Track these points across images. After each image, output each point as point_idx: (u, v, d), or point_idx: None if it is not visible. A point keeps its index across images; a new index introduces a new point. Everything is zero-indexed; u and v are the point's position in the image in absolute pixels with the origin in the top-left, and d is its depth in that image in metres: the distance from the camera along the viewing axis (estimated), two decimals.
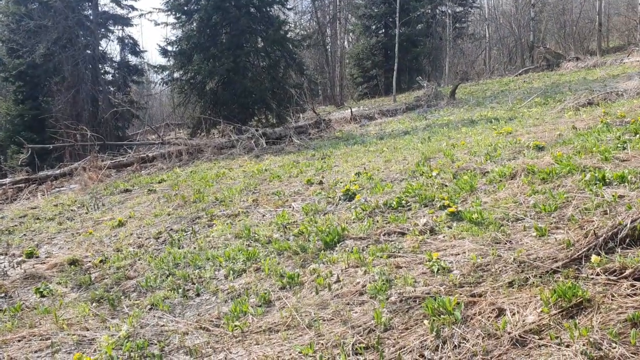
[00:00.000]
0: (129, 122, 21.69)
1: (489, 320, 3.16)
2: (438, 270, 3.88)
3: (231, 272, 4.75)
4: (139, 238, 6.83)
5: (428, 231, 4.68)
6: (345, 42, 33.50)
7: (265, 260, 4.80)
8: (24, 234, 8.37)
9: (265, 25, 20.68)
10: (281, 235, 5.51)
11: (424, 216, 5.03)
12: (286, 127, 14.44)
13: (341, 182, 7.14)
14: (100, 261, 6.09)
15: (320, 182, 7.52)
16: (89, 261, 6.23)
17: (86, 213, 9.07)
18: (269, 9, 20.84)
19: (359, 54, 30.06)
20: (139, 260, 5.84)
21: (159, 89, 25.42)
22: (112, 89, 21.18)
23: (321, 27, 26.61)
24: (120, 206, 9.12)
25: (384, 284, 3.79)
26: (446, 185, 5.87)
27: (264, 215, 6.57)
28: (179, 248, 5.94)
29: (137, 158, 12.89)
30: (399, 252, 4.38)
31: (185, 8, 19.94)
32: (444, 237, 4.55)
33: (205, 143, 13.53)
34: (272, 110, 20.34)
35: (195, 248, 5.77)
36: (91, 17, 20.59)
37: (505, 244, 4.17)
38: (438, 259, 4.01)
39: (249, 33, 20.13)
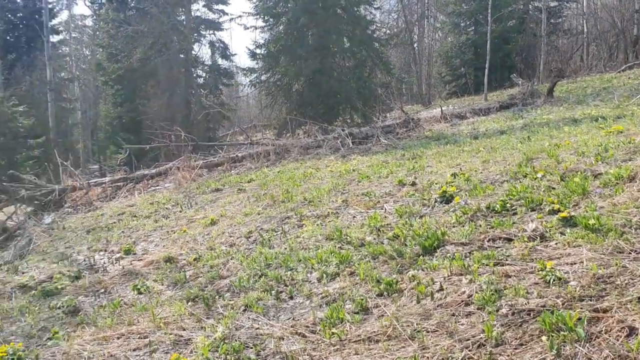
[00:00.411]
0: (219, 123, 22.30)
1: (618, 340, 2.80)
2: (553, 280, 3.52)
3: (324, 275, 4.59)
4: (230, 237, 6.86)
5: (538, 237, 4.29)
6: (432, 40, 32.74)
7: (360, 265, 4.60)
8: (122, 231, 8.69)
9: (352, 25, 20.55)
10: (374, 239, 5.29)
11: (532, 221, 4.64)
12: (373, 126, 14.20)
13: (436, 184, 6.82)
14: (194, 259, 6.15)
15: (413, 183, 7.23)
16: (184, 259, 6.31)
17: (180, 211, 9.29)
18: (355, 9, 20.68)
19: (448, 52, 29.26)
20: (231, 259, 5.83)
21: (247, 91, 25.92)
22: (203, 91, 21.85)
23: (409, 26, 26.12)
24: (212, 205, 9.26)
25: (492, 294, 3.48)
26: (554, 188, 5.41)
27: (354, 217, 6.38)
28: (269, 248, 5.87)
29: (227, 158, 13.13)
30: (506, 260, 4.04)
31: (274, 11, 20.20)
32: (556, 244, 4.15)
33: (291, 143, 13.56)
34: (358, 110, 20.19)
35: (286, 249, 5.68)
36: (184, 22, 21.34)
37: (630, 253, 3.72)
38: (552, 268, 3.64)
39: (335, 34, 20.09)
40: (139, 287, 5.43)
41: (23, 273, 7.33)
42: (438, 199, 6.05)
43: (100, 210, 11.33)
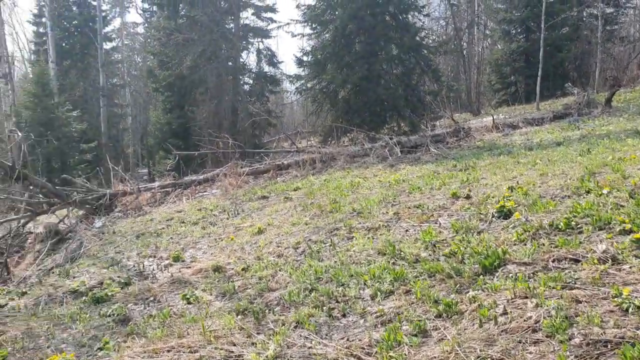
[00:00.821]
0: (264, 130, 22.41)
1: None
2: (630, 309, 3.25)
3: (378, 292, 4.41)
4: (278, 247, 6.76)
5: (609, 260, 4.00)
6: (481, 48, 32.10)
7: (416, 283, 4.40)
8: (171, 237, 8.73)
9: (400, 32, 20.33)
10: (430, 255, 5.08)
11: (600, 241, 4.35)
12: (422, 135, 13.92)
13: (492, 197, 6.54)
14: (243, 269, 6.08)
15: (468, 196, 6.97)
16: (232, 268, 6.25)
17: (227, 219, 9.28)
18: (404, 16, 20.45)
19: (498, 59, 28.60)
20: (279, 270, 5.72)
21: (293, 98, 26.03)
22: (250, 98, 22.00)
23: (458, 33, 25.68)
24: (259, 213, 9.21)
25: (562, 321, 3.24)
26: (622, 206, 5.09)
27: (407, 230, 6.18)
28: (319, 261, 5.73)
29: (273, 165, 13.10)
30: (575, 283, 3.77)
31: (322, 18, 20.19)
32: (630, 268, 3.86)
33: (338, 151, 13.42)
34: (405, 118, 19.92)
35: (336, 262, 5.52)
36: (233, 30, 21.56)
37: None
38: (629, 295, 3.37)
39: (383, 41, 19.92)
40: (188, 296, 5.39)
41: (74, 278, 7.43)
42: (495, 214, 5.79)
43: (150, 215, 11.45)
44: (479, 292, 4.02)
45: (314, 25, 20.71)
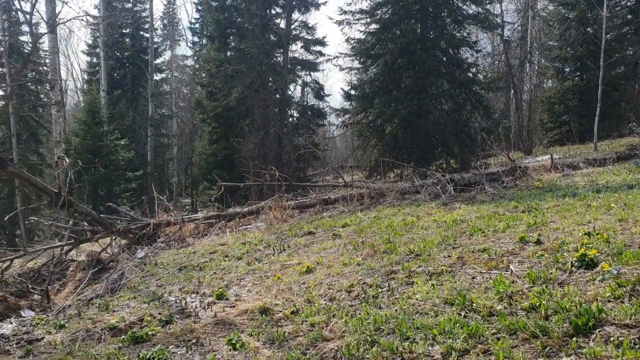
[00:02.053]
0: (309, 163, 22.15)
1: None
2: None
3: (451, 350, 3.86)
4: (329, 289, 6.26)
5: None
6: (533, 86, 31.26)
7: (496, 342, 3.83)
8: (214, 272, 8.34)
9: (451, 67, 19.92)
10: (506, 308, 4.49)
11: None
12: (475, 173, 13.30)
13: (567, 244, 5.91)
14: (292, 312, 5.60)
15: (538, 241, 6.35)
16: (280, 311, 5.77)
17: (273, 254, 8.85)
18: (456, 51, 20.05)
19: (550, 97, 27.75)
20: (333, 316, 5.21)
21: (339, 132, 25.77)
22: (296, 131, 21.85)
23: (510, 70, 25.09)
24: (306, 250, 8.75)
25: None
26: None
27: (473, 278, 5.60)
28: (377, 308, 5.20)
29: (320, 200, 12.68)
30: None
31: (371, 52, 19.97)
32: None
33: (387, 187, 12.92)
34: (455, 154, 19.31)
35: (397, 311, 4.98)
36: (281, 63, 21.59)
37: None
38: None
39: (434, 76, 19.51)
40: (233, 341, 4.93)
41: (114, 311, 7.09)
42: (576, 263, 5.17)
43: (193, 247, 11.15)
44: (573, 357, 3.43)
45: (362, 59, 20.50)
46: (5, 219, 11.62)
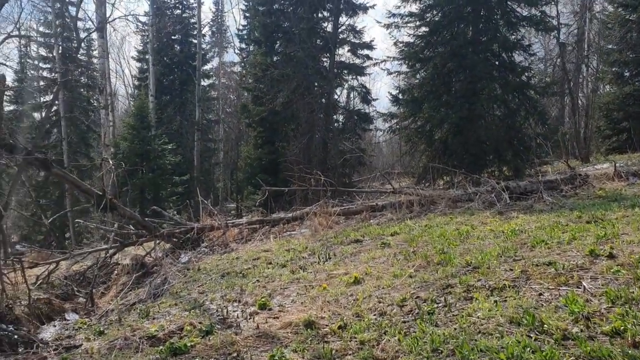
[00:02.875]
0: (355, 169, 21.71)
1: None
2: None
3: None
4: (379, 303, 5.82)
5: None
6: (590, 91, 29.91)
7: None
8: (257, 280, 8.00)
9: (504, 71, 19.16)
10: (583, 331, 3.96)
11: None
12: (533, 181, 12.59)
13: None
14: (339, 327, 5.18)
15: (611, 255, 5.75)
16: (326, 325, 5.37)
17: (318, 263, 8.45)
18: (509, 55, 19.27)
19: (608, 103, 26.43)
20: (384, 333, 4.77)
21: (385, 137, 25.29)
22: (342, 136, 21.47)
23: (567, 74, 24.02)
24: (353, 259, 8.31)
25: None
26: None
27: (540, 295, 5.05)
28: (433, 326, 4.73)
29: (367, 206, 12.23)
30: None
31: (421, 55, 19.42)
32: None
33: (438, 194, 12.36)
34: (508, 161, 18.52)
35: (456, 330, 4.51)
36: (327, 67, 21.29)
37: None
38: None
39: (486, 80, 18.80)
40: (276, 357, 4.56)
41: (154, 319, 6.85)
42: None
43: (236, 252, 10.88)
44: None
45: (411, 63, 19.97)
46: (49, 220, 11.68)
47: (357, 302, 5.95)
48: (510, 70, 19.05)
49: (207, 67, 37.73)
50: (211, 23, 46.07)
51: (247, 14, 41.07)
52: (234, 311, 6.60)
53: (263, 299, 6.68)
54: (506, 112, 19.43)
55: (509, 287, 5.38)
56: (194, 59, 35.05)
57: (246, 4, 41.45)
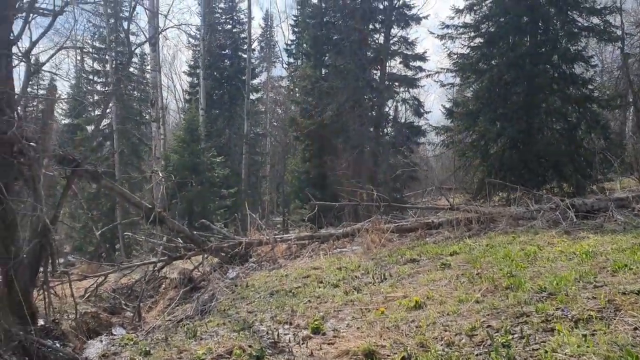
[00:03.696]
0: (405, 184, 21.09)
1: None
2: None
3: None
4: (445, 331, 5.29)
5: None
6: None
7: None
8: (309, 300, 7.57)
9: (565, 83, 18.27)
10: None
11: None
12: (600, 198, 11.77)
13: None
14: (403, 358, 4.70)
15: None
16: (388, 355, 4.89)
17: (373, 283, 7.96)
18: (570, 66, 18.37)
19: None
20: None
21: (433, 151, 24.64)
22: (393, 149, 20.92)
23: (632, 86, 22.79)
24: (411, 280, 7.78)
25: None
26: None
27: (636, 329, 4.43)
28: None
29: (422, 223, 11.66)
30: None
31: (476, 67, 18.75)
32: None
33: (498, 212, 11.68)
34: (568, 177, 17.58)
35: None
36: (378, 79, 20.86)
37: None
38: None
39: (545, 92, 17.97)
40: None
41: (201, 339, 6.52)
42: None
43: (285, 269, 10.50)
44: None
45: (466, 74, 19.32)
46: (99, 232, 11.61)
47: (420, 330, 5.45)
48: (571, 83, 18.15)
49: (256, 81, 37.99)
50: (260, 38, 46.50)
51: (296, 29, 41.31)
52: (285, 334, 6.20)
53: (316, 322, 6.25)
54: (566, 125, 18.50)
55: (596, 318, 4.77)
56: (243, 74, 35.32)
57: (295, 19, 41.77)
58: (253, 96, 35.97)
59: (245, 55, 35.11)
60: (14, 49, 6.97)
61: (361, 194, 13.12)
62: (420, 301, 6.38)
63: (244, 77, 34.95)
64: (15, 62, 6.98)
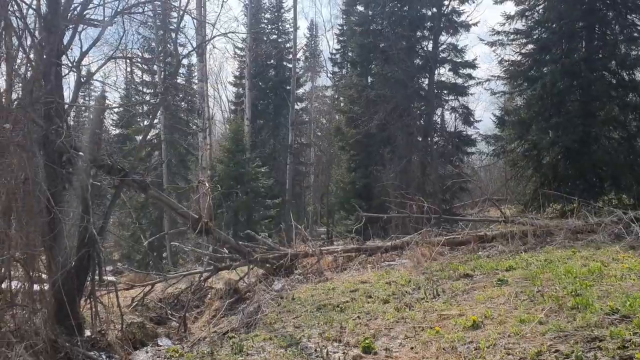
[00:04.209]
0: (455, 195, 20.49)
1: None
2: None
3: None
4: (508, 354, 4.91)
5: None
6: None
7: None
8: (358, 316, 7.26)
9: (624, 90, 17.45)
10: None
11: None
12: None
13: None
14: None
15: None
16: None
17: (425, 300, 7.58)
18: (629, 73, 17.54)
19: None
20: None
21: (481, 162, 23.97)
22: (442, 159, 20.37)
23: None
24: (466, 297, 7.37)
25: None
26: None
27: None
28: None
29: (474, 236, 11.18)
30: None
31: (529, 74, 18.11)
32: None
33: (555, 224, 11.12)
34: (628, 189, 16.72)
35: None
36: (427, 87, 20.44)
37: None
38: None
39: (602, 100, 17.19)
40: None
41: (247, 354, 6.32)
42: None
43: (331, 282, 10.22)
44: None
45: (518, 82, 18.68)
46: (146, 242, 11.63)
47: (480, 352, 5.08)
48: (631, 89, 17.31)
49: (300, 91, 38.02)
50: (304, 48, 46.59)
51: (341, 38, 41.20)
52: (334, 352, 5.93)
53: (367, 341, 5.96)
54: (625, 134, 17.65)
55: None
56: (287, 83, 35.44)
57: (340, 28, 41.69)
58: (297, 106, 36.03)
59: (289, 65, 35.26)
60: (64, 60, 6.99)
61: (411, 206, 12.72)
62: (477, 320, 6.00)
63: (288, 87, 35.07)
64: (65, 71, 6.99)
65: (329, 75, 44.50)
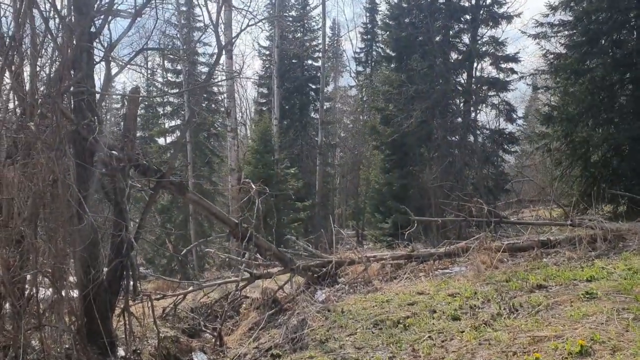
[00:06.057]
0: (497, 196, 19.40)
1: None
2: None
3: None
4: None
5: None
6: None
7: None
8: (428, 336, 6.32)
9: None
10: None
11: None
12: None
13: None
14: None
15: None
16: None
17: (503, 317, 6.61)
18: None
19: None
20: None
21: (527, 160, 22.79)
22: (483, 158, 19.30)
23: None
24: (554, 314, 6.38)
25: None
26: None
27: None
28: None
29: (537, 241, 10.18)
30: None
31: (576, 67, 17.00)
32: None
33: (628, 228, 10.09)
34: None
35: None
36: (465, 83, 19.40)
37: None
38: None
39: None
40: None
41: None
42: None
43: (382, 293, 9.30)
44: None
45: (564, 76, 17.57)
46: (172, 246, 10.86)
47: None
48: None
49: (325, 90, 37.38)
50: (327, 48, 45.85)
51: (365, 37, 40.32)
52: None
53: None
54: None
55: None
56: (313, 82, 34.68)
57: (364, 25, 40.81)
58: (325, 105, 35.31)
59: (316, 64, 34.57)
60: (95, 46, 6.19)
61: (470, 208, 11.71)
62: (585, 345, 5.04)
63: (314, 86, 34.28)
64: (96, 59, 6.18)
65: (352, 74, 43.69)
